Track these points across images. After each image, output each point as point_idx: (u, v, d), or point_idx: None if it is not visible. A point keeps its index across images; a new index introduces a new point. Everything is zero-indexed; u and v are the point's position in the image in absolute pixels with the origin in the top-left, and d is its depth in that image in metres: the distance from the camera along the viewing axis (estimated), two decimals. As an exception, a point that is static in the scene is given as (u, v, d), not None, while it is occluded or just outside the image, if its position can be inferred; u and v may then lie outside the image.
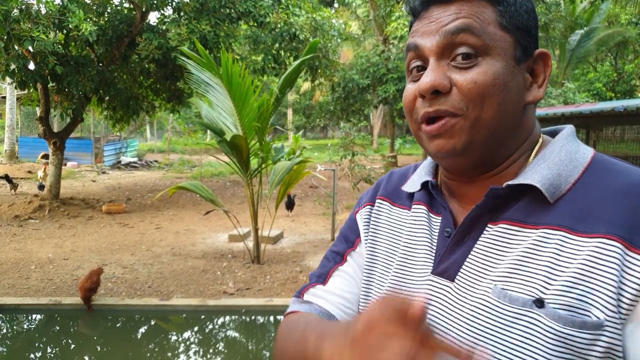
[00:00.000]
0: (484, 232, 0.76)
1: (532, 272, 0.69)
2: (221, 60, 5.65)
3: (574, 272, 0.65)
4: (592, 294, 0.64)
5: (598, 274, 0.64)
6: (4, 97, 19.02)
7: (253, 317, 5.13)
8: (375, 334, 0.56)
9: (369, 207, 0.97)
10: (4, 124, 20.79)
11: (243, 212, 9.16)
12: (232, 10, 9.92)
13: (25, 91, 10.17)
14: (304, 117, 32.32)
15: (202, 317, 5.12)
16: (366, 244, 0.93)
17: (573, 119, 11.85)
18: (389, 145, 20.89)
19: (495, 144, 0.76)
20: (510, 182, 0.74)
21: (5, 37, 7.60)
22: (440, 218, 0.84)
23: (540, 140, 0.81)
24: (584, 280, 0.65)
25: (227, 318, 5.20)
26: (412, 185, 0.90)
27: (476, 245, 0.76)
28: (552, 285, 0.67)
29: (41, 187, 11.12)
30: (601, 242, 0.65)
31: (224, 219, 8.68)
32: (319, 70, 11.62)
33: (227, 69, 5.63)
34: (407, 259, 0.85)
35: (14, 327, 4.96)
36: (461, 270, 0.76)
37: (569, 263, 0.66)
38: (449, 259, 0.79)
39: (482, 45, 0.72)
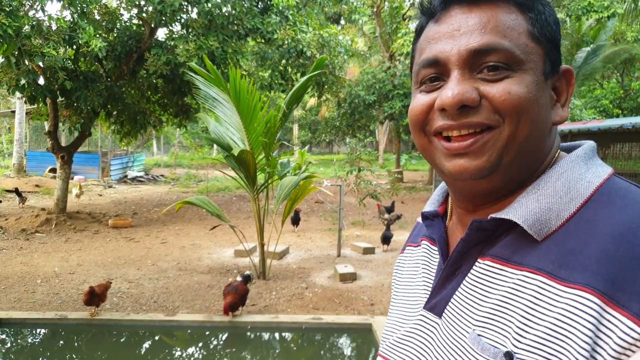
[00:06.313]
0: (474, 266, 0.69)
1: (507, 320, 0.62)
2: (229, 76, 5.69)
3: (550, 326, 0.57)
4: (565, 355, 0.56)
5: (572, 332, 0.55)
6: (14, 112, 19.24)
7: (258, 334, 5.09)
8: None
9: (401, 254, 0.95)
10: (12, 137, 20.97)
11: (249, 227, 9.16)
12: (240, 27, 10.02)
13: (35, 106, 10.28)
14: (309, 132, 32.46)
15: (207, 333, 5.08)
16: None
17: (580, 135, 11.82)
18: (394, 161, 20.90)
19: (518, 167, 0.67)
20: (494, 215, 0.66)
21: (17, 53, 7.70)
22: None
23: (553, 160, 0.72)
24: (558, 338, 0.56)
25: (233, 334, 5.16)
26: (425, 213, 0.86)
27: (465, 281, 0.69)
28: (524, 337, 0.59)
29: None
30: (578, 295, 0.56)
31: (230, 233, 8.67)
32: (326, 87, 11.70)
33: (235, 85, 5.67)
34: (405, 294, 0.83)
35: (19, 342, 4.94)
36: (448, 306, 0.71)
37: (545, 315, 0.58)
38: (439, 293, 0.73)
39: (513, 59, 0.64)
